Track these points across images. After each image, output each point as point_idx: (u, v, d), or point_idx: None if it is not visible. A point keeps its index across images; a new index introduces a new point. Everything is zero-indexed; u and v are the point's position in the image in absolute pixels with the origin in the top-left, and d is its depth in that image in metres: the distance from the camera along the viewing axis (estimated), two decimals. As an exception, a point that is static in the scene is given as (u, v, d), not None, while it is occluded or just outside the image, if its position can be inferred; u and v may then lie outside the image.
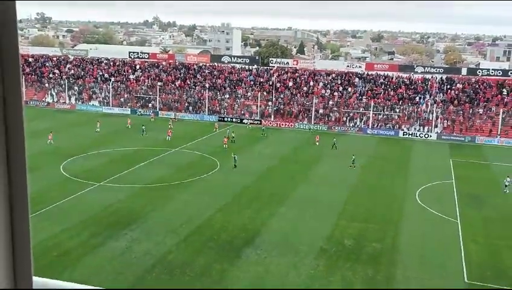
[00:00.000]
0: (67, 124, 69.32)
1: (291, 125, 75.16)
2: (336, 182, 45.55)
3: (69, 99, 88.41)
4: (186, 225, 33.17)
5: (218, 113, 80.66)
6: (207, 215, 35.11)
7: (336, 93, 79.31)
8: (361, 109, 76.56)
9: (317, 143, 61.62)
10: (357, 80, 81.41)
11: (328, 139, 63.08)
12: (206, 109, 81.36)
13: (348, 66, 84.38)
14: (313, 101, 77.31)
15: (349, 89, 79.66)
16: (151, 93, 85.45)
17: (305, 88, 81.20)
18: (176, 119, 77.30)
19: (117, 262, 27.55)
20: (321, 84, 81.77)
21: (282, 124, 75.73)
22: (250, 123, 75.22)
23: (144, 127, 64.99)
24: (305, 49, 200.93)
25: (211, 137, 64.20)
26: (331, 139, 62.15)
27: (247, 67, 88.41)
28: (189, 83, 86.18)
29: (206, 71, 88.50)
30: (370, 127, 73.83)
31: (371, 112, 74.81)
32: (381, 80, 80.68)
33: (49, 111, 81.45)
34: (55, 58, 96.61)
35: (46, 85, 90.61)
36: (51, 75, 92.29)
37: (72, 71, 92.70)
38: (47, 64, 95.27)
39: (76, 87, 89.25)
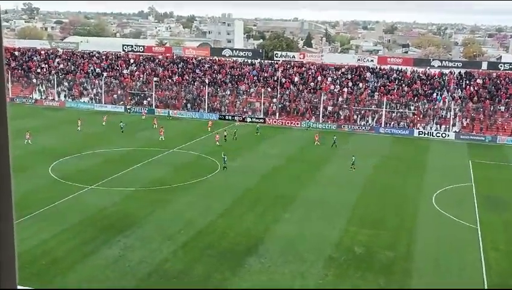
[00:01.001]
0: (56, 123, 69.55)
1: (297, 123, 75.18)
2: (345, 183, 45.60)
3: (58, 96, 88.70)
4: (185, 231, 33.24)
5: (219, 111, 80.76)
6: (207, 221, 35.17)
7: (345, 89, 79.26)
8: (373, 106, 76.50)
9: (317, 142, 61.74)
10: (368, 74, 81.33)
11: (339, 138, 62.87)
12: (206, 107, 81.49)
13: (358, 60, 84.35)
14: (321, 98, 77.29)
15: (360, 85, 79.60)
16: (146, 89, 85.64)
17: (312, 84, 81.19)
18: (169, 117, 77.25)
19: (110, 271, 27.62)
20: (330, 79, 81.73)
21: (288, 123, 75.82)
22: (240, 120, 75.60)
23: (122, 124, 65.68)
24: (312, 41, 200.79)
25: (211, 137, 64.25)
26: (341, 139, 62.06)
27: (250, 61, 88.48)
28: (187, 78, 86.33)
29: (206, 65, 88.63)
30: (383, 125, 73.80)
31: (384, 109, 74.75)
32: (395, 75, 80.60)
33: (36, 109, 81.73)
34: (43, 52, 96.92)
35: (34, 81, 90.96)
36: (38, 70, 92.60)
37: (62, 66, 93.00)
38: (34, 58, 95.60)
39: (66, 83, 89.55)
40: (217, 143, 59.04)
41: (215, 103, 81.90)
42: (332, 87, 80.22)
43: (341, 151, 58.31)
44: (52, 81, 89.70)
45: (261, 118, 77.69)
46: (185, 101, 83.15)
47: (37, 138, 57.64)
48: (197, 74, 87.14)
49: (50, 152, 53.09)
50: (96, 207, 37.12)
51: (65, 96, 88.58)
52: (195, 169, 48.69)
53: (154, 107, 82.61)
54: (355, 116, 76.26)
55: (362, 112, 76.55)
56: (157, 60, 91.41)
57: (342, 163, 52.92)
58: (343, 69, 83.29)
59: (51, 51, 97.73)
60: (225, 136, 62.02)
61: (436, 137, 70.37)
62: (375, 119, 75.74)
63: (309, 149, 60.11)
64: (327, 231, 34.05)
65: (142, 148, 57.20)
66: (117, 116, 74.81)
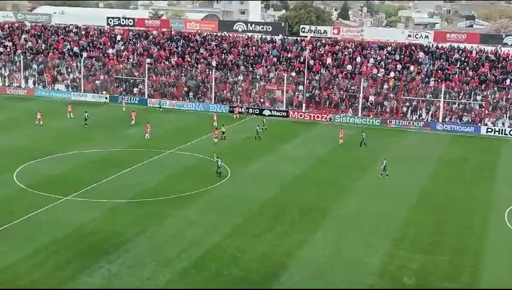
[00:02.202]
0: (23, 117, 70.24)
1: (329, 118, 74.97)
2: (391, 194, 45.38)
3: (26, 83, 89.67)
4: (185, 255, 33.35)
5: (229, 101, 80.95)
6: (213, 241, 35.25)
7: (392, 74, 78.89)
8: (428, 96, 76.02)
9: (341, 140, 61.66)
10: (422, 55, 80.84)
11: (380, 136, 62.89)
12: (213, 96, 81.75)
13: (409, 36, 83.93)
14: (361, 85, 77.05)
15: (411, 68, 79.17)
16: (137, 74, 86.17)
17: (349, 67, 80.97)
18: (160, 109, 77.86)
19: (90, 304, 27.84)
20: (372, 61, 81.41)
21: (318, 117, 75.64)
22: (238, 112, 76.03)
23: (86, 114, 66.64)
24: (350, 12, 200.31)
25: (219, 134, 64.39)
26: (383, 138, 61.78)
27: (269, 37, 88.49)
28: (189, 59, 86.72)
29: (213, 43, 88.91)
30: (440, 121, 73.39)
31: (442, 100, 74.30)
32: (456, 56, 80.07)
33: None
34: (6, 26, 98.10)
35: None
36: (0, 49, 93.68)
37: (30, 43, 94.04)
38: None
39: (35, 66, 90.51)
40: (215, 140, 59.82)
41: (225, 92, 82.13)
42: (375, 71, 79.89)
43: (386, 154, 58.07)
44: (17, 64, 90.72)
45: (282, 111, 77.69)
46: (186, 89, 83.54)
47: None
48: (202, 54, 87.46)
49: (14, 154, 53.60)
50: (73, 224, 37.34)
51: (34, 83, 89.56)
52: (198, 176, 48.83)
53: (146, 97, 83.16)
54: (404, 109, 75.82)
55: (414, 103, 76.07)
56: (150, 37, 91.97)
57: (387, 168, 52.63)
58: (389, 48, 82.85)
59: (17, 24, 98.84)
60: (223, 133, 62.28)
61: (509, 136, 69.76)
62: (430, 112, 75.24)
63: (344, 150, 59.94)
64: (367, 256, 33.90)
65: (131, 148, 57.50)
66: (94, 107, 75.46)
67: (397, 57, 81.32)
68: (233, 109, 77.78)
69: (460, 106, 74.60)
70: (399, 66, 79.79)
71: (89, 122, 66.74)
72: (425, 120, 74.25)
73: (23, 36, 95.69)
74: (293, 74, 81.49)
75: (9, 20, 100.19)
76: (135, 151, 56.49)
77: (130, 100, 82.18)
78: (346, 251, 34.70)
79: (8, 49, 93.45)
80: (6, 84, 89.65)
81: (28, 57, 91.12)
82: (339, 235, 37.11)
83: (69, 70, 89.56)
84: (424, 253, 34.71)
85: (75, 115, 70.20)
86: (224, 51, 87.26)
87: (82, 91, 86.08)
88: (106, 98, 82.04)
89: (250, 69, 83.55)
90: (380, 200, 44.10)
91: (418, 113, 75.57)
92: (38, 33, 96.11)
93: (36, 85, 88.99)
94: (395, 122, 73.71)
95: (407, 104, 76.17)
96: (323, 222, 39.31)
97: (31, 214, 38.70)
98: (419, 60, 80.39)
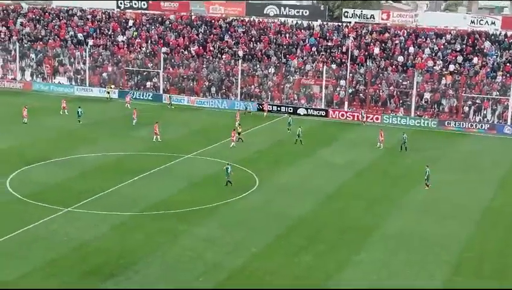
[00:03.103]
0: (17, 114, 70.93)
1: (376, 118, 74.66)
2: (448, 210, 45.01)
3: (22, 74, 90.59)
4: (205, 278, 33.36)
5: (258, 98, 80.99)
6: (237, 263, 35.19)
7: (451, 67, 78.30)
8: (494, 94, 75.27)
9: (380, 144, 61.54)
10: (487, 45, 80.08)
11: (436, 140, 62.30)
12: (239, 91, 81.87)
13: (472, 22, 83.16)
14: (414, 80, 76.59)
15: (475, 60, 78.49)
16: (151, 65, 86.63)
17: (400, 58, 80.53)
18: (171, 106, 78.24)
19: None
20: (428, 51, 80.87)
21: (368, 117, 75.23)
22: (248, 111, 76.56)
23: (80, 110, 67.47)
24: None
25: (245, 136, 64.44)
26: (440, 143, 61.23)
27: (305, 23, 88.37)
28: (212, 49, 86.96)
29: (240, 30, 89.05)
30: (509, 123, 72.74)
31: (511, 98, 73.61)
32: (529, 45, 79.32)
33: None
34: (0, 9, 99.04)
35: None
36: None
37: (27, 29, 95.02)
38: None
39: (33, 55, 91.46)
40: (232, 144, 59.99)
41: (253, 87, 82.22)
42: (430, 63, 79.35)
43: (443, 161, 57.65)
44: (12, 53, 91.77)
45: (320, 110, 77.53)
46: (207, 84, 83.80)
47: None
48: (226, 42, 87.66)
49: (7, 158, 54.17)
50: (75, 240, 37.51)
51: (32, 75, 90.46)
52: (220, 185, 48.83)
53: (161, 92, 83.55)
54: (466, 109, 75.18)
55: (477, 102, 75.38)
56: (167, 22, 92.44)
57: (446, 178, 52.28)
58: (448, 36, 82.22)
59: (12, 7, 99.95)
60: (239, 134, 62.35)
61: None
62: (497, 113, 74.50)
63: (392, 157, 59.65)
64: (420, 282, 33.66)
65: (141, 153, 57.79)
66: (99, 103, 75.92)
67: (458, 47, 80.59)
68: (262, 106, 77.89)
69: (534, 106, 73.93)
70: (460, 58, 79.06)
71: (92, 121, 67.24)
72: (490, 122, 73.55)
73: (19, 20, 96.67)
74: (334, 66, 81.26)
75: (3, 2, 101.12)
76: (146, 156, 56.78)
77: (142, 96, 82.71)
78: (395, 275, 34.46)
79: (2, 36, 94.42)
80: (1, 76, 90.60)
81: (25, 45, 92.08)
82: (386, 257, 36.82)
83: (72, 60, 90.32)
84: (489, 280, 34.37)
85: (70, 113, 70.83)
86: (253, 38, 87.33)
87: (87, 84, 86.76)
88: (108, 92, 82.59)
89: (283, 60, 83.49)
90: (435, 217, 43.64)
91: (482, 114, 74.83)
92: (37, 17, 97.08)
93: (34, 77, 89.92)
94: (455, 124, 73.07)
95: (469, 102, 75.46)
96: (367, 241, 39.03)
97: (27, 228, 38.90)
98: (484, 50, 79.57)
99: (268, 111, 76.68)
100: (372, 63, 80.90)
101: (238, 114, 70.35)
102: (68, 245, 36.79)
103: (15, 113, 69.61)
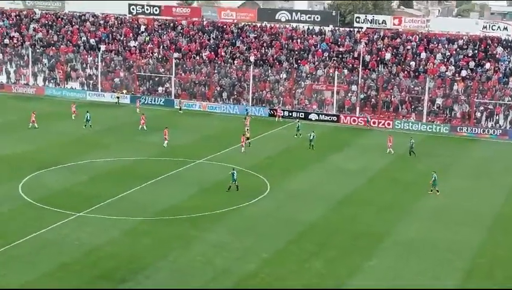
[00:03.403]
0: (29, 119, 71.26)
1: (388, 123, 74.56)
2: (460, 217, 44.88)
3: (35, 79, 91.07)
4: (213, 284, 33.36)
5: (270, 103, 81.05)
6: (248, 269, 35.21)
7: (463, 73, 78.07)
8: (506, 99, 75.01)
9: (390, 150, 61.73)
10: (500, 50, 79.83)
11: (448, 146, 62.07)
12: (250, 97, 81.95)
13: (484, 28, 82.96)
14: (426, 86, 76.43)
15: (487, 66, 78.26)
16: (163, 70, 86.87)
17: (412, 63, 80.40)
18: (181, 111, 78.36)
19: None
20: (440, 57, 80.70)
21: (374, 122, 75.30)
22: (248, 115, 75.98)
23: (88, 115, 67.70)
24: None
25: (256, 141, 64.51)
26: (452, 149, 61.04)
27: (317, 29, 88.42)
28: (223, 54, 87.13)
29: (251, 36, 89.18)
30: (522, 128, 72.56)
31: (524, 103, 73.45)
32: (542, 50, 79.03)
33: (1, 98, 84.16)
34: (13, 14, 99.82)
35: (0, 57, 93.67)
36: (6, 41, 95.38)
37: (40, 34, 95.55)
38: (1, 23, 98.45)
39: (45, 60, 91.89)
40: (243, 149, 60.07)
41: (264, 92, 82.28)
42: (443, 68, 79.17)
43: (455, 167, 57.48)
44: (25, 58, 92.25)
45: (332, 115, 77.50)
46: (218, 89, 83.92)
47: None
48: (238, 48, 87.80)
49: (20, 163, 54.51)
50: (86, 245, 37.64)
51: (45, 80, 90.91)
52: (231, 191, 48.94)
53: (173, 97, 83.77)
54: (478, 114, 74.93)
55: (489, 107, 75.11)
56: (179, 27, 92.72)
57: (455, 185, 52.12)
58: (460, 42, 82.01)
59: (25, 12, 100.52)
60: (247, 138, 62.40)
61: None
62: (509, 118, 74.23)
63: (403, 163, 59.55)
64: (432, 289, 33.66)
65: (152, 158, 57.98)
66: (110, 108, 76.13)
67: (470, 52, 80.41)
68: (274, 112, 77.92)
69: (547, 111, 73.63)
70: (472, 64, 78.89)
71: (103, 126, 67.49)
72: (503, 128, 73.29)
73: (32, 26, 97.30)
74: (346, 71, 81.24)
75: (16, 8, 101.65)
76: (157, 161, 56.93)
77: (154, 101, 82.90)
78: (407, 282, 34.36)
79: (15, 41, 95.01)
80: (13, 81, 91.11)
81: (38, 50, 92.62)
82: (398, 263, 36.76)
83: (85, 65, 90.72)
84: (500, 287, 34.22)
85: (79, 117, 71.00)
86: (265, 44, 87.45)
87: (99, 90, 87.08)
88: (118, 97, 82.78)
89: (295, 65, 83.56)
90: (446, 224, 43.52)
91: (495, 120, 74.57)
92: (50, 22, 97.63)
93: (46, 82, 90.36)
94: (467, 130, 72.87)
95: (482, 108, 75.22)
96: (378, 248, 38.93)
97: (38, 233, 39.11)
98: (497, 56, 79.37)
99: (281, 116, 76.66)
100: (383, 68, 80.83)
101: (248, 119, 70.25)
102: (79, 250, 36.96)
103: (27, 118, 69.86)
